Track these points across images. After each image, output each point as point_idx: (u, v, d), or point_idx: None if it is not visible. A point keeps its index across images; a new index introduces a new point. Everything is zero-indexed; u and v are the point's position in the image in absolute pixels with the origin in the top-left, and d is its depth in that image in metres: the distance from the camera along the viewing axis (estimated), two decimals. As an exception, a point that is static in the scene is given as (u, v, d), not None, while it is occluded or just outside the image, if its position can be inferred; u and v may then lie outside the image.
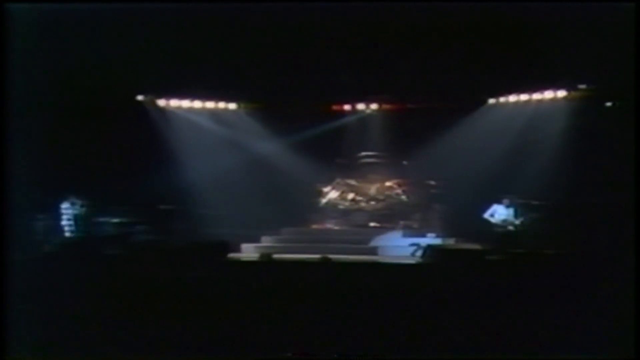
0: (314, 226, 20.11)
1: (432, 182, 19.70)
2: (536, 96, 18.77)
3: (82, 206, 17.46)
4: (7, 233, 9.24)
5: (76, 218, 17.45)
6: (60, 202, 17.55)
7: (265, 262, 14.41)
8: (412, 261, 15.64)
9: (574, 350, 8.11)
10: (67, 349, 8.43)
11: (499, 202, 16.99)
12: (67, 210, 17.46)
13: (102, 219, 17.50)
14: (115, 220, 17.51)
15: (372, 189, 20.50)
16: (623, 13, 10.95)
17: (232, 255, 15.62)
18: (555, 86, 18.20)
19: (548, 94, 18.51)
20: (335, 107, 20.59)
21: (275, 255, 15.35)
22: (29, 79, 11.71)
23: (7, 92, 9.49)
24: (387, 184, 20.47)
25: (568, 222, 16.07)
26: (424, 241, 17.27)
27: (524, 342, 8.44)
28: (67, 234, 17.39)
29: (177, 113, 20.03)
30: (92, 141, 17.50)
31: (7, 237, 9.22)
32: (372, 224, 19.97)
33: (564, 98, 18.23)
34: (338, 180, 20.47)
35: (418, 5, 14.09)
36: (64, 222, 17.44)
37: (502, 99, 19.40)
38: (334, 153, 20.20)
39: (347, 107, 20.74)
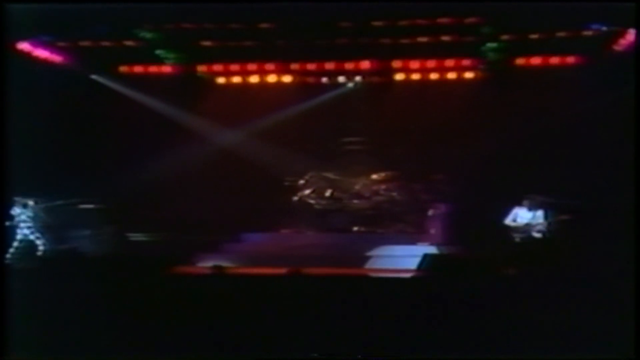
0: (283, 230, 18.57)
1: (432, 175, 18.17)
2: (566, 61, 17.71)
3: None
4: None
5: None
6: None
7: (219, 276, 12.77)
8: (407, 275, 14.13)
9: (574, 350, 8.53)
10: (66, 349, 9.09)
11: (519, 204, 15.55)
12: None
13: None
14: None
15: (356, 184, 18.84)
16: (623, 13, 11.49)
17: (179, 267, 14.19)
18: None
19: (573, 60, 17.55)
20: (310, 80, 19.17)
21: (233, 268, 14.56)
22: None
23: (6, 94, 10.32)
24: (374, 177, 18.81)
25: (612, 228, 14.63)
26: (424, 250, 15.59)
27: (523, 342, 8.69)
28: None
29: (122, 89, 19.06)
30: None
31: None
32: (355, 228, 18.34)
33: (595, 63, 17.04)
34: (313, 173, 18.84)
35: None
36: None
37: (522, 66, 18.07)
38: (308, 139, 18.85)
39: (324, 80, 19.25)
